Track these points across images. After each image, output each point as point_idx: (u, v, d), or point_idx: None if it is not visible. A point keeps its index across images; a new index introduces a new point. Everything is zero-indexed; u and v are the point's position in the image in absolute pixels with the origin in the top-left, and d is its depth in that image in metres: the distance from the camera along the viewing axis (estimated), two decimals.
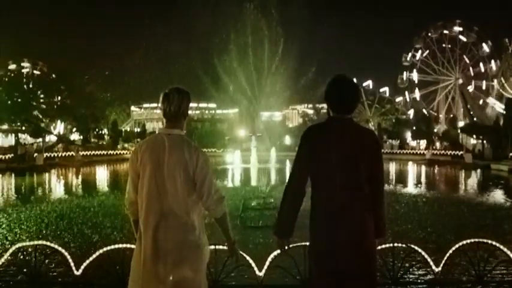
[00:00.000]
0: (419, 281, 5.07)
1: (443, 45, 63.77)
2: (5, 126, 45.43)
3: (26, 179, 23.06)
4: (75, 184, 22.15)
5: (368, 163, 2.44)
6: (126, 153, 40.41)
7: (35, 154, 33.62)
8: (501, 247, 4.08)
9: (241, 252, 3.75)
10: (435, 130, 52.20)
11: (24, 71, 51.28)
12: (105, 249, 3.97)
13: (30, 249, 4.32)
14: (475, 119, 56.90)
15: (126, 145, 47.76)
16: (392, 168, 31.25)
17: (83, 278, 3.93)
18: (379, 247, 3.72)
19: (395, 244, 4.02)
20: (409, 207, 11.96)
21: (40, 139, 43.31)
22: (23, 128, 44.15)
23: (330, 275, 2.38)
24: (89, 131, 48.21)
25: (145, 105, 67.12)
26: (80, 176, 25.84)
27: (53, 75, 50.61)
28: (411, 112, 62.17)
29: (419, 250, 4.05)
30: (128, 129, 59.31)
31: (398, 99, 65.66)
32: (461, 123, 52.62)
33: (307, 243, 2.57)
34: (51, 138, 48.00)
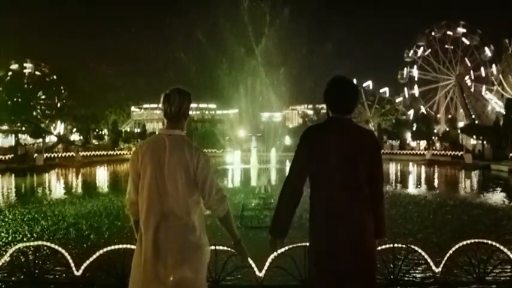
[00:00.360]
0: (419, 281, 5.07)
1: (446, 46, 63.67)
2: (5, 127, 45.44)
3: (26, 180, 23.06)
4: (75, 185, 22.16)
5: (367, 163, 2.44)
6: (126, 153, 40.44)
7: (35, 154, 33.62)
8: (501, 247, 4.08)
9: None
10: (435, 130, 52.21)
11: (25, 71, 51.25)
12: (105, 249, 3.97)
13: (30, 250, 4.33)
14: (474, 118, 56.90)
15: (125, 145, 47.74)
16: (392, 168, 31.26)
17: (83, 279, 3.93)
18: (379, 247, 3.73)
19: (396, 244, 4.02)
20: (409, 207, 11.96)
21: (40, 139, 43.32)
22: (23, 128, 44.16)
23: (329, 275, 2.38)
24: (89, 132, 48.23)
25: (145, 105, 67.17)
26: (80, 177, 25.84)
27: (53, 76, 50.62)
28: (411, 112, 62.21)
29: (420, 250, 4.05)
30: (128, 130, 59.35)
31: (398, 99, 65.68)
32: (461, 124, 52.66)
33: (307, 244, 2.57)
34: (51, 139, 48.00)
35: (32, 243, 4.29)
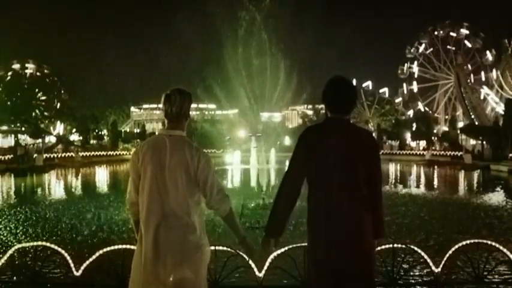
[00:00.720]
0: (419, 281, 5.07)
1: (448, 46, 63.49)
2: (5, 127, 45.41)
3: (26, 180, 23.05)
4: (75, 185, 22.15)
5: (366, 164, 2.44)
6: (126, 154, 40.43)
7: (35, 155, 33.61)
8: (501, 248, 4.08)
9: (241, 253, 3.77)
10: (435, 131, 52.23)
11: (24, 71, 51.24)
12: (105, 250, 3.96)
13: (30, 250, 4.32)
14: (473, 118, 56.90)
15: (125, 146, 47.71)
16: (392, 168, 31.28)
17: (83, 279, 3.92)
18: (378, 247, 3.73)
19: (395, 244, 4.02)
20: (408, 207, 11.98)
21: (40, 140, 43.30)
22: (23, 128, 44.13)
23: (328, 275, 2.38)
24: (88, 132, 48.20)
25: (144, 106, 67.17)
26: (79, 177, 25.84)
27: (53, 76, 50.59)
28: (411, 113, 62.22)
29: (419, 250, 4.05)
30: (128, 130, 59.31)
31: (398, 99, 65.69)
32: (460, 124, 52.68)
33: (307, 244, 2.57)
34: (51, 139, 47.98)
35: (31, 244, 4.28)
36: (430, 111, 63.90)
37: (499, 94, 58.42)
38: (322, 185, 2.42)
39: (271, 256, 3.82)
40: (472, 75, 62.99)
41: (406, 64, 65.58)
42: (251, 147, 28.68)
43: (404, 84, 65.52)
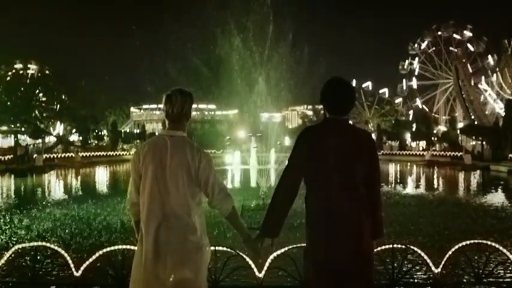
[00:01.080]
0: (419, 282, 5.07)
1: (451, 48, 63.25)
2: (5, 127, 45.41)
3: (25, 180, 23.04)
4: (75, 185, 22.15)
5: (365, 164, 2.44)
6: (126, 154, 40.42)
7: (35, 155, 33.60)
8: (501, 248, 4.08)
9: (240, 253, 3.77)
10: (434, 131, 52.23)
11: (26, 72, 51.24)
12: (105, 250, 3.97)
13: (29, 251, 4.32)
14: (473, 119, 56.91)
15: (125, 146, 47.72)
16: (391, 169, 31.28)
17: (83, 280, 3.92)
18: (378, 248, 3.73)
19: (395, 245, 4.02)
20: (408, 208, 11.97)
21: (39, 140, 43.29)
22: (23, 129, 44.12)
23: (328, 275, 2.38)
24: (88, 132, 48.19)
25: (144, 106, 67.18)
26: (79, 177, 25.83)
27: (53, 76, 50.57)
28: (411, 113, 62.20)
29: (419, 251, 4.05)
30: (128, 131, 59.31)
31: (398, 100, 65.68)
32: (460, 124, 52.69)
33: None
34: (51, 139, 47.98)
35: (31, 244, 4.28)
36: (430, 112, 63.85)
37: (500, 96, 58.34)
38: (321, 186, 2.42)
39: (271, 256, 3.83)
40: (472, 78, 62.85)
41: (407, 60, 65.45)
42: (251, 147, 28.68)
43: (404, 80, 65.37)
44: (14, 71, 50.01)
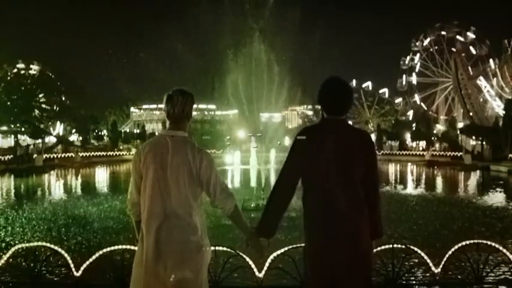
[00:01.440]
0: (418, 282, 5.07)
1: (453, 48, 62.96)
2: (5, 128, 45.41)
3: (26, 180, 23.05)
4: (75, 185, 22.15)
5: (363, 164, 2.44)
6: (126, 154, 40.42)
7: (35, 155, 33.60)
8: (501, 248, 4.09)
9: (241, 253, 3.77)
10: (434, 131, 52.24)
11: (24, 72, 51.24)
12: (105, 250, 3.97)
13: (30, 251, 4.32)
14: (473, 118, 56.91)
15: (125, 146, 47.73)
16: (391, 169, 31.30)
17: (83, 280, 3.92)
18: (378, 248, 3.73)
19: (395, 245, 4.02)
20: (408, 208, 11.99)
21: (39, 140, 43.29)
22: (23, 129, 44.12)
23: (327, 275, 2.37)
24: (88, 132, 48.23)
25: (144, 106, 67.16)
26: (79, 177, 25.83)
27: (53, 77, 50.59)
28: (411, 113, 62.18)
29: (419, 251, 4.05)
30: (128, 131, 59.32)
31: (398, 100, 65.66)
32: (460, 124, 52.68)
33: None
34: (51, 140, 47.98)
35: (31, 244, 4.28)
36: (429, 110, 63.82)
37: (499, 95, 58.34)
38: (320, 186, 2.42)
39: (271, 256, 3.83)
40: (471, 72, 62.70)
41: (408, 56, 65.29)
42: (251, 147, 28.67)
43: (404, 76, 65.21)
44: (16, 70, 50.06)
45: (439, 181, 24.18)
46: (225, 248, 3.86)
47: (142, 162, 2.47)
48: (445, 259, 4.02)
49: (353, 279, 2.36)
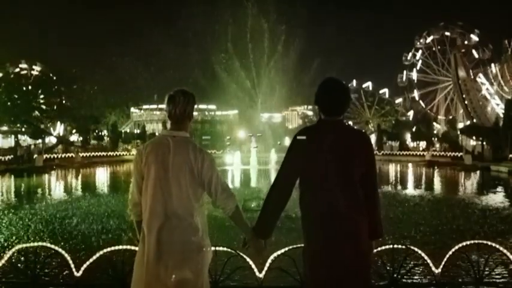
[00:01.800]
0: (419, 282, 5.08)
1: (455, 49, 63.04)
2: (5, 128, 45.42)
3: (26, 180, 23.05)
4: (75, 185, 22.15)
5: (361, 164, 2.44)
6: (126, 154, 40.44)
7: (35, 155, 33.61)
8: (501, 248, 4.08)
9: (241, 254, 3.77)
10: (435, 131, 52.21)
11: (25, 72, 51.26)
12: (105, 250, 3.97)
13: (30, 251, 4.32)
14: (474, 120, 56.85)
15: (125, 146, 47.73)
16: (392, 169, 31.30)
17: (83, 280, 3.92)
18: (378, 248, 3.73)
19: (395, 245, 4.02)
20: (408, 208, 11.98)
21: (40, 140, 43.30)
22: (23, 129, 44.12)
23: (326, 275, 2.37)
24: (88, 133, 48.22)
25: (145, 106, 67.14)
26: (79, 178, 25.83)
27: (53, 77, 50.58)
28: (411, 113, 62.13)
29: (419, 251, 4.05)
30: (128, 131, 59.31)
31: (398, 100, 65.62)
32: (461, 125, 52.65)
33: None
34: (51, 140, 47.97)
35: (31, 244, 4.28)
36: (427, 108, 63.81)
37: (502, 100, 58.20)
38: (318, 186, 2.42)
39: (272, 256, 3.83)
40: (470, 70, 62.51)
41: (410, 52, 64.96)
42: (251, 147, 28.70)
43: (405, 72, 65.07)
44: (18, 69, 50.13)
45: (439, 181, 24.18)
46: (225, 248, 3.86)
47: (144, 162, 2.48)
48: (445, 259, 4.02)
49: (352, 279, 2.36)
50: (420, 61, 65.08)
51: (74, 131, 50.09)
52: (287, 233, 6.84)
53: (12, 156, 33.19)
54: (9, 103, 42.60)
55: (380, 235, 2.56)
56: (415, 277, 5.16)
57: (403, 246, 4.20)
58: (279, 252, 3.84)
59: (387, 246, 3.96)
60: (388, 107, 63.39)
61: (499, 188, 19.16)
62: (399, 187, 19.50)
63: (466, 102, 59.33)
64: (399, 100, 65.55)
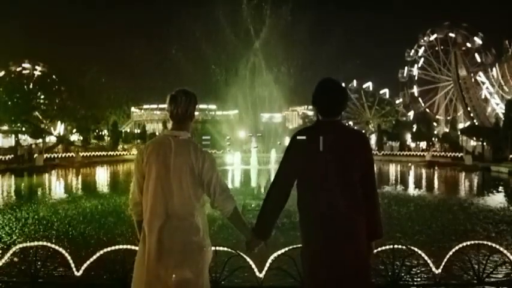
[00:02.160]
0: (419, 282, 5.07)
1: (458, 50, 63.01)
2: (5, 127, 45.44)
3: (26, 180, 23.06)
4: (75, 185, 22.16)
5: (359, 164, 2.44)
6: (126, 154, 40.46)
7: (35, 155, 33.63)
8: (501, 249, 4.09)
9: (241, 254, 3.77)
10: (435, 132, 52.21)
11: (25, 72, 51.29)
12: (105, 250, 3.97)
13: (30, 250, 4.33)
14: (474, 120, 56.84)
15: (125, 146, 47.77)
16: (392, 169, 31.30)
17: (84, 279, 3.93)
18: (379, 248, 3.74)
19: (395, 245, 4.02)
20: (409, 209, 11.97)
21: (40, 140, 43.31)
22: (23, 128, 44.14)
23: (325, 276, 2.37)
24: (89, 132, 48.25)
25: (145, 106, 67.23)
26: (80, 177, 25.84)
27: (53, 76, 50.61)
28: (411, 114, 62.15)
29: (420, 252, 4.05)
30: (128, 131, 59.37)
31: (398, 100, 65.63)
32: (461, 125, 52.64)
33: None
34: (51, 139, 47.98)
35: (32, 244, 4.28)
36: (431, 113, 63.79)
37: (502, 100, 58.17)
38: (317, 187, 2.42)
39: (272, 257, 3.84)
40: (470, 69, 62.42)
41: (413, 49, 64.97)
42: (251, 147, 28.69)
43: (406, 68, 65.20)
44: (21, 68, 50.19)
45: (439, 182, 24.16)
46: (225, 248, 3.86)
47: (145, 162, 2.48)
48: (445, 260, 4.02)
49: (352, 279, 2.36)
50: (422, 58, 65.12)
51: (74, 130, 50.11)
52: (287, 233, 6.84)
53: (12, 155, 33.21)
54: (9, 103, 42.63)
55: (380, 235, 2.56)
56: (416, 277, 5.15)
57: (404, 247, 4.21)
58: (279, 252, 3.85)
59: (387, 247, 3.96)
60: (388, 107, 63.43)
61: (499, 189, 19.16)
62: (399, 187, 19.49)
63: (465, 101, 59.31)
64: (399, 100, 65.57)
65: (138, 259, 2.50)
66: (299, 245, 3.65)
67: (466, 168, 28.84)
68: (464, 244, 4.09)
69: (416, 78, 65.58)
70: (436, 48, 64.65)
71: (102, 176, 27.65)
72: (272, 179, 2.62)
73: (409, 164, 35.40)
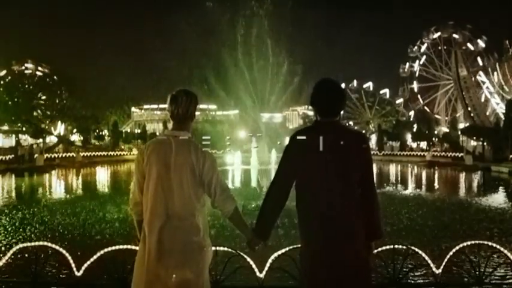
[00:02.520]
0: (419, 282, 5.07)
1: (457, 50, 63.01)
2: (6, 127, 45.46)
3: (27, 180, 23.07)
4: (76, 185, 22.17)
5: (358, 165, 2.44)
6: (127, 154, 40.47)
7: (36, 155, 33.63)
8: (502, 249, 4.08)
9: (241, 254, 3.77)
10: (435, 132, 52.20)
11: (25, 72, 51.29)
12: (106, 250, 3.97)
13: (30, 250, 4.33)
14: (474, 119, 56.81)
15: (126, 146, 47.77)
16: (392, 169, 31.29)
17: (84, 279, 3.92)
18: (379, 248, 3.73)
19: (396, 245, 4.02)
20: (409, 208, 11.97)
21: (40, 140, 43.32)
22: (24, 128, 44.16)
23: (326, 276, 2.37)
24: (89, 132, 48.26)
25: (145, 106, 67.23)
26: (80, 177, 25.85)
27: (54, 76, 50.62)
28: (411, 114, 62.15)
29: (420, 251, 4.04)
30: (129, 131, 59.36)
31: (399, 100, 65.61)
32: (461, 125, 52.62)
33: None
34: (52, 139, 47.99)
35: (32, 244, 4.28)
36: (430, 112, 63.79)
37: (503, 100, 58.15)
38: (316, 188, 2.42)
39: (272, 257, 3.83)
40: (470, 68, 62.39)
41: (416, 45, 65.04)
42: (252, 147, 28.68)
43: (408, 63, 65.41)
44: (23, 67, 50.23)
45: (440, 182, 24.15)
46: (226, 248, 3.86)
47: (146, 161, 2.48)
48: (446, 260, 4.02)
49: (352, 279, 2.36)
50: (424, 56, 65.24)
51: (74, 130, 50.12)
52: (287, 233, 6.85)
53: (13, 155, 33.22)
54: (10, 102, 42.66)
55: (380, 236, 2.56)
56: (416, 277, 5.15)
57: (404, 247, 4.20)
58: (279, 252, 3.84)
59: (388, 247, 3.95)
60: (388, 108, 63.40)
61: (500, 189, 19.15)
62: (400, 187, 19.48)
63: (466, 100, 59.28)
64: (400, 100, 65.56)
65: (139, 259, 2.50)
66: (299, 245, 3.66)
67: (466, 168, 28.81)
68: (465, 244, 4.08)
69: (417, 74, 65.74)
70: (439, 47, 64.75)
71: (102, 176, 27.67)
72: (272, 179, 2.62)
73: (410, 164, 35.39)
